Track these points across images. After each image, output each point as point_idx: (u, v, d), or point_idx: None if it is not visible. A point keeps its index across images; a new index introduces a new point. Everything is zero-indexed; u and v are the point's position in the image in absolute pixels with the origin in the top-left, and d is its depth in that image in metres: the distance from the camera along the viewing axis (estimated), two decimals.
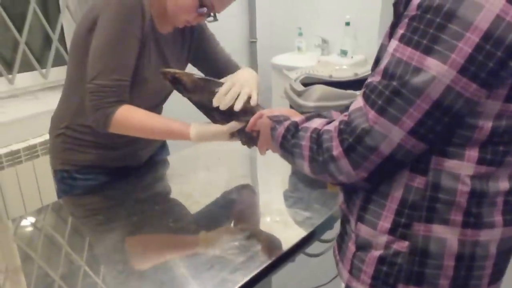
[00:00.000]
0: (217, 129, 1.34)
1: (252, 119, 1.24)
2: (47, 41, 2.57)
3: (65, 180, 1.53)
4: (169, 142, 1.76)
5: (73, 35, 1.43)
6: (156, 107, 1.57)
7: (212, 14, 1.39)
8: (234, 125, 1.32)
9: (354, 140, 0.83)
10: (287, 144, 1.00)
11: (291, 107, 1.70)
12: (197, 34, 1.59)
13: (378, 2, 3.06)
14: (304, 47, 3.48)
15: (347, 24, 3.18)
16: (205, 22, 1.56)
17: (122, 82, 1.34)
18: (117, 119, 1.34)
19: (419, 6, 0.78)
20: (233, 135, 1.34)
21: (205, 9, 1.34)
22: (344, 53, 3.20)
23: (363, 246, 0.93)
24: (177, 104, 1.62)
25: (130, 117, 1.35)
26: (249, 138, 1.30)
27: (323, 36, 3.39)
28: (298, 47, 3.49)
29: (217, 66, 1.62)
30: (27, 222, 1.38)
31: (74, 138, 1.47)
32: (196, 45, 1.59)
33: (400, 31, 0.81)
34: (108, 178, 1.53)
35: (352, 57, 3.16)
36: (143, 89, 1.43)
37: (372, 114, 0.81)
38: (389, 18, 0.92)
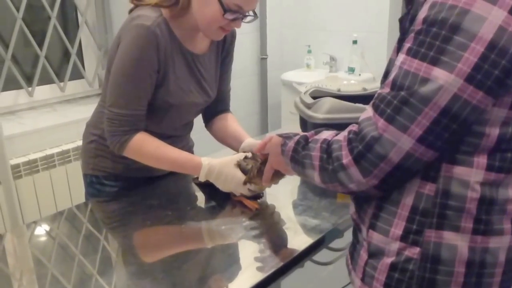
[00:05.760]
0: (225, 160, 1.43)
1: (261, 142, 1.29)
2: (66, 55, 2.65)
3: (94, 185, 1.58)
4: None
5: (108, 53, 1.47)
6: (187, 124, 1.63)
7: (246, 14, 1.37)
8: (240, 156, 1.43)
9: (363, 148, 0.85)
10: (297, 156, 1.02)
11: (301, 119, 1.74)
12: (225, 54, 1.61)
13: (385, 22, 3.13)
14: (313, 64, 3.55)
15: (355, 42, 3.25)
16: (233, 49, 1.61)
17: (137, 111, 1.39)
18: (131, 147, 1.40)
19: (424, 20, 0.82)
20: (239, 165, 1.41)
21: (232, 15, 1.33)
22: (351, 70, 3.26)
23: (375, 253, 0.94)
24: None
25: (144, 147, 1.41)
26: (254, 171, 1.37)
27: (331, 53, 3.45)
28: (307, 64, 3.55)
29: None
30: (41, 227, 1.41)
31: (107, 147, 1.48)
32: (220, 63, 1.62)
33: (407, 45, 0.85)
34: (134, 186, 1.57)
35: (359, 74, 3.22)
36: (173, 110, 1.48)
37: (381, 122, 0.84)
38: (396, 38, 0.96)
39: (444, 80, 0.79)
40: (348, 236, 1.32)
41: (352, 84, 1.82)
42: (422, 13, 0.84)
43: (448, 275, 0.87)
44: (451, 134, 0.82)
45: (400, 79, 0.84)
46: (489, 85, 0.79)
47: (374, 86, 1.77)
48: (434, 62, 0.80)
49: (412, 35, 0.85)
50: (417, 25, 0.84)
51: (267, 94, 3.80)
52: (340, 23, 3.40)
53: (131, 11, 1.42)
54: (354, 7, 3.29)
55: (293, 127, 1.93)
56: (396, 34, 0.96)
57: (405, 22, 0.91)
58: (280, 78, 3.47)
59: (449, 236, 0.86)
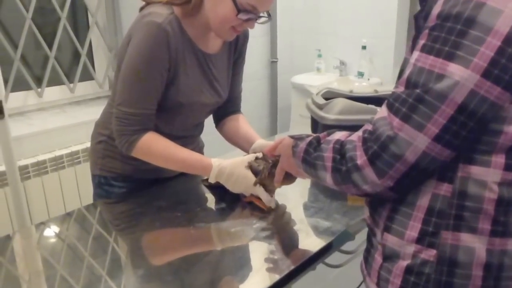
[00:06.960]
0: (235, 160, 1.41)
1: (272, 144, 1.28)
2: (76, 56, 2.66)
3: (102, 186, 1.56)
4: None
5: (118, 51, 1.46)
6: (198, 125, 1.61)
7: (261, 14, 1.35)
8: (251, 157, 1.41)
9: (379, 148, 0.83)
10: (309, 158, 1.00)
11: (312, 120, 1.72)
12: (237, 55, 1.59)
13: (393, 29, 3.14)
14: (323, 68, 3.56)
15: (364, 47, 3.28)
16: (247, 47, 1.59)
17: (146, 110, 1.37)
18: (140, 147, 1.38)
19: (438, 15, 0.81)
20: (250, 166, 1.39)
21: (246, 15, 1.31)
22: (361, 74, 3.28)
23: (390, 257, 0.92)
24: None
25: (153, 147, 1.39)
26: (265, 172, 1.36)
27: (341, 58, 3.46)
28: (317, 68, 3.57)
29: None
30: (50, 228, 1.40)
31: (115, 147, 1.45)
32: (233, 64, 1.60)
33: (421, 42, 0.83)
34: (143, 187, 1.56)
35: (368, 79, 3.24)
36: (184, 110, 1.46)
37: (396, 121, 0.82)
38: (403, 44, 0.94)
39: (460, 75, 0.77)
40: (359, 239, 1.31)
41: (364, 86, 1.80)
42: (436, 9, 0.82)
43: (466, 279, 0.84)
44: (468, 132, 0.80)
45: (415, 77, 0.82)
46: (507, 80, 0.76)
47: (385, 88, 1.76)
48: (450, 57, 0.78)
49: (426, 31, 0.83)
50: (431, 21, 0.82)
51: (277, 97, 3.81)
52: (350, 29, 3.42)
53: (142, 8, 1.41)
54: (363, 14, 3.31)
55: (302, 130, 1.92)
56: (403, 40, 0.94)
57: (420, 19, 0.89)
58: (290, 81, 3.49)
59: (466, 238, 0.83)
